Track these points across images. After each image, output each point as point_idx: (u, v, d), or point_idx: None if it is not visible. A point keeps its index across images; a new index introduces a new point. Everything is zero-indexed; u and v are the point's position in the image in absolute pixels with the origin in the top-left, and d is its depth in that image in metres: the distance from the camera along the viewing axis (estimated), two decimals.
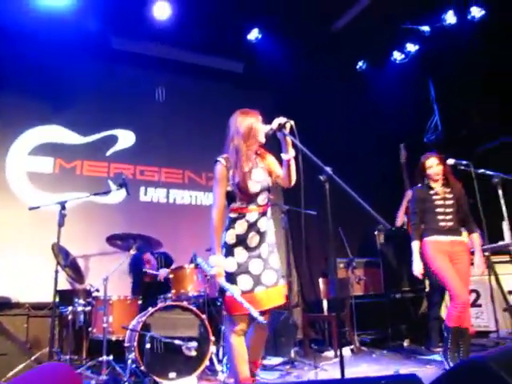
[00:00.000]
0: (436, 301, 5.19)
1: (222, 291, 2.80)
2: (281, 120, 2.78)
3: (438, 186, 4.18)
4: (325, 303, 5.72)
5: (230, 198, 2.91)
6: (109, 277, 4.21)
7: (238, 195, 2.86)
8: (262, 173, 2.97)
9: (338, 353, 5.04)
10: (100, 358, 4.06)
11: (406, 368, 4.19)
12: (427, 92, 7.29)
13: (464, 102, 6.58)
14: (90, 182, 5.80)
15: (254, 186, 2.87)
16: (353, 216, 6.00)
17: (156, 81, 6.50)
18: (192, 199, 6.42)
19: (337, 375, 4.01)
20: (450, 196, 4.15)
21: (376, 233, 6.32)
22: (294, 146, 2.75)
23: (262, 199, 2.93)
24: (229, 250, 2.87)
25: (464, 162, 4.39)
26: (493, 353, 1.72)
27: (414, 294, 6.00)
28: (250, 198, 2.88)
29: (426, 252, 4.08)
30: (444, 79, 6.87)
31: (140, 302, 4.53)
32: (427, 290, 5.61)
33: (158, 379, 3.84)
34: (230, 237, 2.87)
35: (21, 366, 4.46)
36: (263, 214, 2.93)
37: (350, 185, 2.42)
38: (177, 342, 3.89)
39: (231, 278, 2.81)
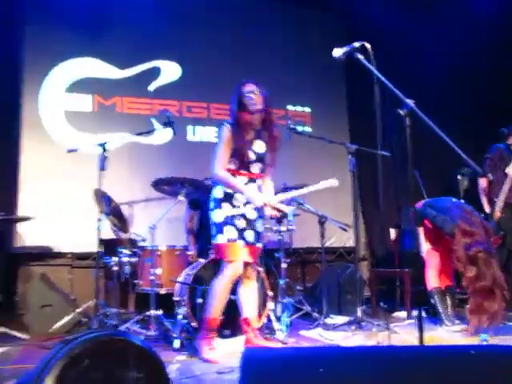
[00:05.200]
0: None
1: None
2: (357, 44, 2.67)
3: None
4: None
5: None
6: (156, 225, 4.27)
7: (233, 158, 3.58)
8: (263, 145, 3.70)
9: (412, 314, 5.10)
10: (148, 313, 4.19)
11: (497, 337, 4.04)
12: None
13: None
14: (131, 121, 5.83)
15: (250, 155, 3.60)
16: (432, 157, 5.83)
17: (202, 8, 6.32)
18: None
19: (411, 339, 4.02)
20: None
21: (459, 177, 6.09)
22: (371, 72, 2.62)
23: (256, 168, 3.67)
24: (217, 203, 3.60)
25: None
26: None
27: None
28: (244, 164, 3.60)
29: None
30: None
31: (190, 252, 4.61)
32: None
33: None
34: (219, 192, 3.61)
35: (66, 319, 4.70)
36: (253, 180, 3.66)
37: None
38: (232, 296, 3.94)
39: (218, 227, 3.56)
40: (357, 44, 2.67)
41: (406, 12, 6.45)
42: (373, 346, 3.73)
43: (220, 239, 3.56)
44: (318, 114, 6.75)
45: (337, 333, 4.40)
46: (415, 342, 3.97)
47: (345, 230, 5.33)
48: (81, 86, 5.85)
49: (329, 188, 3.78)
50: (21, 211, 5.27)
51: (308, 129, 6.67)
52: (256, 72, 6.27)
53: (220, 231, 3.57)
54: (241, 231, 3.57)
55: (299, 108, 6.71)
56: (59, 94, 5.77)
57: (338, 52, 2.76)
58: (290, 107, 6.65)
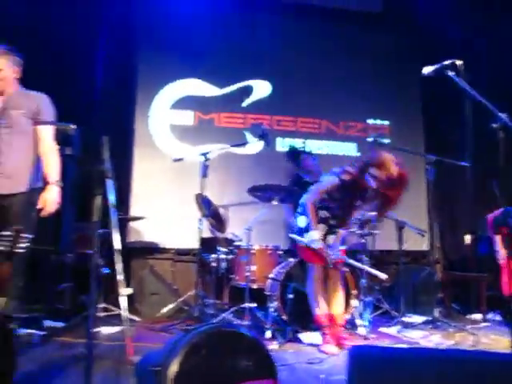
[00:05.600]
0: None
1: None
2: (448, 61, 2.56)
3: None
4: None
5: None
6: (252, 227, 4.30)
7: (324, 202, 3.62)
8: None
9: (487, 317, 4.83)
10: (243, 305, 4.21)
11: None
12: None
13: None
14: (227, 133, 5.95)
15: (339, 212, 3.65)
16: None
17: (290, 27, 6.32)
18: (329, 149, 6.28)
19: (488, 341, 3.80)
20: None
21: None
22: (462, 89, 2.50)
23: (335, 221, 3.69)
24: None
25: None
26: None
27: None
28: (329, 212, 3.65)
29: None
30: None
31: (280, 252, 4.60)
32: None
33: (299, 329, 3.90)
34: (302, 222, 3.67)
35: (170, 306, 4.84)
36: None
37: None
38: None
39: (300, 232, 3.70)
40: (447, 62, 2.55)
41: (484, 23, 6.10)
42: (479, 350, 3.51)
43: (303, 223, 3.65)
44: (397, 126, 6.55)
45: (415, 331, 4.24)
46: (492, 344, 3.79)
47: (422, 235, 5.18)
48: (184, 103, 6.04)
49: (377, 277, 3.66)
50: (134, 212, 5.49)
51: (387, 141, 6.49)
52: (338, 88, 6.25)
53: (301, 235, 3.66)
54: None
55: (379, 121, 6.54)
56: (165, 110, 5.98)
57: (427, 69, 2.66)
58: (370, 121, 6.49)
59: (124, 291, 1.95)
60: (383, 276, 3.41)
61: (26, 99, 3.20)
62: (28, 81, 5.17)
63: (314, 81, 6.23)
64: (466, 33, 6.16)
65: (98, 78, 5.77)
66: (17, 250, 2.13)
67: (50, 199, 3.16)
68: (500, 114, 2.17)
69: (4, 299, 2.20)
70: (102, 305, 4.56)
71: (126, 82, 5.87)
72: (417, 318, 4.65)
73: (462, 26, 6.16)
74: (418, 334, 4.18)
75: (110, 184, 1.97)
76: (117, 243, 2.06)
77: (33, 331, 3.72)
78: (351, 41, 6.41)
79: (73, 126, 4.61)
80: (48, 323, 4.17)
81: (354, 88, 6.28)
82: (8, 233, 2.13)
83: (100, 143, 2.08)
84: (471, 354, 1.93)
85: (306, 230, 3.61)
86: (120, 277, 1.98)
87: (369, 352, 1.58)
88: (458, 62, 2.54)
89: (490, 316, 5.03)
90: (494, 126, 2.16)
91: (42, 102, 3.23)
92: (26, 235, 2.16)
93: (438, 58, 2.64)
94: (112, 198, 1.94)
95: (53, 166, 3.23)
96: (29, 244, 2.16)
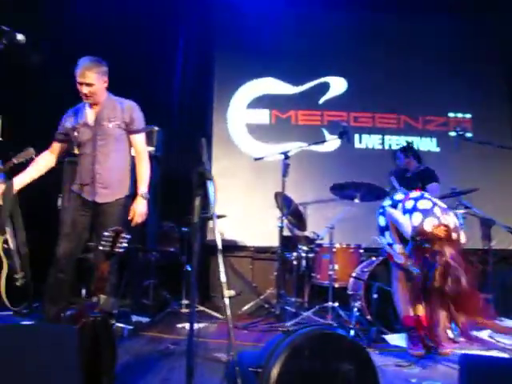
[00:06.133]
0: None
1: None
2: None
3: None
4: None
5: None
6: (334, 225, 4.24)
7: None
8: None
9: None
10: (325, 304, 4.15)
11: None
12: None
13: None
14: (304, 131, 5.92)
15: None
16: None
17: (365, 22, 6.17)
18: None
19: None
20: None
21: None
22: None
23: None
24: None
25: None
26: None
27: None
28: None
29: None
30: None
31: (362, 250, 4.51)
32: None
33: (384, 330, 3.80)
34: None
35: (251, 303, 4.87)
36: None
37: None
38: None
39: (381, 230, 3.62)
40: None
41: None
42: None
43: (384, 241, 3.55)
44: (480, 119, 6.22)
45: (508, 336, 3.99)
46: None
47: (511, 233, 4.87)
48: (260, 102, 6.06)
49: None
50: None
51: (470, 134, 6.18)
52: (417, 82, 6.02)
53: (383, 234, 3.59)
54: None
55: (460, 115, 6.24)
56: (242, 109, 6.04)
57: None
58: (451, 114, 6.21)
59: (227, 293, 1.96)
60: None
61: (118, 110, 3.26)
62: (110, 84, 5.45)
63: (390, 75, 6.04)
64: None
65: (176, 79, 5.92)
66: (117, 250, 2.21)
67: (138, 211, 3.26)
68: None
69: (105, 297, 2.28)
70: (186, 301, 4.67)
71: (203, 82, 5.98)
72: (509, 323, 4.39)
73: None
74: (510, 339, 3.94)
75: (210, 185, 1.98)
76: (219, 244, 2.07)
77: (122, 325, 3.86)
78: (427, 32, 6.14)
79: (156, 128, 4.79)
80: (135, 318, 4.32)
81: (432, 81, 6.04)
82: (108, 233, 2.20)
83: (198, 145, 2.09)
84: None
85: (387, 228, 3.54)
86: (223, 279, 1.99)
87: (480, 361, 1.50)
88: None
89: None
90: None
91: (133, 112, 3.29)
92: (126, 235, 2.23)
93: None
94: (212, 198, 1.95)
95: (142, 176, 3.30)
96: (127, 244, 2.23)
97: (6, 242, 2.50)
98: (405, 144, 5.18)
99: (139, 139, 3.33)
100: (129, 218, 3.23)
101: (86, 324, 2.23)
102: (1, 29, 2.44)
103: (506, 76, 6.25)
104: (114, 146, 3.22)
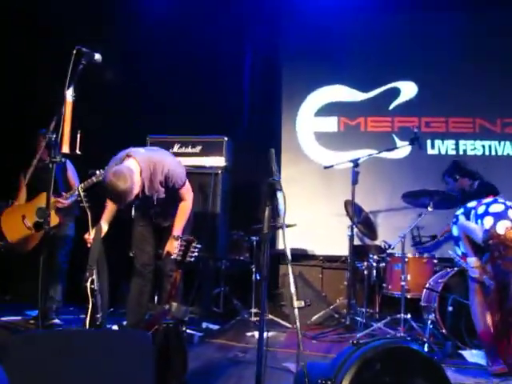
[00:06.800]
0: None
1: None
2: None
3: None
4: None
5: None
6: (406, 234, 4.13)
7: None
8: None
9: None
10: (397, 315, 4.03)
11: None
12: None
13: None
14: (374, 138, 5.79)
15: None
16: None
17: (432, 24, 5.95)
18: (485, 149, 5.78)
19: None
20: None
21: None
22: None
23: None
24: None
25: None
26: None
27: None
28: None
29: None
30: None
31: (435, 261, 4.34)
32: None
33: (461, 345, 3.64)
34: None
35: (321, 313, 4.83)
36: None
37: None
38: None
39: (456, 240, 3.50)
40: None
41: None
42: None
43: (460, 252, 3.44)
44: None
45: None
46: None
47: None
48: (327, 109, 6.01)
49: None
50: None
51: None
52: (491, 82, 5.72)
53: (457, 244, 3.48)
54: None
55: None
56: (309, 117, 6.02)
57: None
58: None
59: (296, 304, 1.95)
60: None
61: (155, 184, 3.27)
62: (179, 96, 5.64)
63: (462, 77, 5.76)
64: None
65: (245, 89, 6.01)
66: (188, 259, 2.27)
67: (170, 250, 3.27)
68: None
69: (176, 304, 2.35)
70: (255, 310, 4.69)
71: (272, 92, 6.03)
72: None
73: None
74: None
75: (280, 195, 1.99)
76: (288, 254, 2.07)
77: (193, 332, 3.95)
78: (498, 30, 5.82)
79: (225, 138, 4.88)
80: (205, 325, 4.41)
81: (508, 81, 5.70)
82: (181, 243, 2.27)
83: (268, 156, 2.11)
84: None
85: (460, 238, 3.43)
86: (292, 289, 1.99)
87: None
88: None
89: None
90: None
91: (168, 174, 3.26)
92: (197, 245, 2.28)
93: None
94: (282, 209, 1.96)
95: (177, 222, 3.38)
96: (199, 254, 2.29)
97: (92, 282, 2.66)
98: (457, 159, 4.86)
99: (181, 191, 3.41)
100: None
101: (158, 330, 2.31)
102: (81, 50, 2.59)
103: None
104: (171, 201, 3.42)
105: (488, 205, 3.26)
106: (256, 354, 2.02)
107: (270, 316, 4.69)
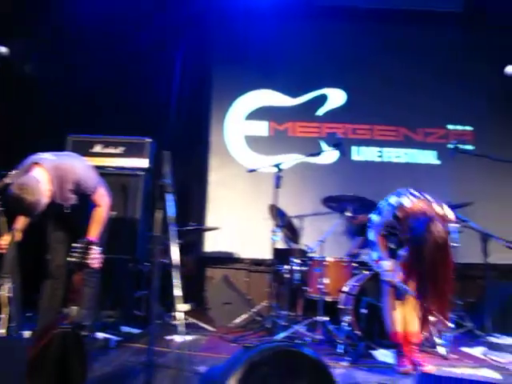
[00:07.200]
0: None
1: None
2: None
3: None
4: None
5: None
6: (325, 238, 4.19)
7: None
8: None
9: None
10: (316, 318, 4.09)
11: None
12: None
13: None
14: (302, 143, 5.88)
15: None
16: None
17: (362, 33, 6.14)
18: (408, 157, 6.00)
19: None
20: None
21: None
22: None
23: None
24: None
25: None
26: None
27: None
28: None
29: None
30: None
31: (355, 264, 4.43)
32: None
33: (373, 345, 3.73)
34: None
35: (244, 316, 4.82)
36: None
37: None
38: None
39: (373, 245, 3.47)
40: None
41: None
42: None
43: (375, 256, 3.46)
44: (482, 132, 6.14)
45: (503, 354, 3.89)
46: None
47: (509, 248, 4.75)
48: (258, 114, 6.06)
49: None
50: (208, 221, 5.56)
51: (470, 147, 6.10)
52: (415, 93, 5.95)
53: (372, 249, 3.52)
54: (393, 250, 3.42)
55: (459, 127, 6.16)
56: (240, 121, 6.04)
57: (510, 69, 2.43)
58: (450, 126, 6.13)
59: (180, 307, 1.93)
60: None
61: (65, 191, 3.09)
62: (106, 95, 5.48)
63: (389, 87, 5.98)
64: None
65: (173, 92, 5.93)
66: (87, 261, 2.19)
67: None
68: None
69: (76, 308, 2.26)
70: (177, 313, 4.62)
71: (201, 93, 5.99)
72: (506, 340, 4.27)
73: None
74: (507, 357, 3.83)
75: (169, 198, 1.95)
76: (175, 257, 2.04)
77: (110, 336, 3.83)
78: (428, 43, 6.09)
79: (148, 140, 4.78)
80: (125, 329, 4.29)
81: (432, 92, 5.96)
82: (79, 245, 2.19)
83: (162, 158, 2.07)
84: None
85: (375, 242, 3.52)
86: (177, 292, 1.95)
87: (438, 381, 1.44)
88: None
89: None
90: None
91: (78, 181, 3.09)
92: (97, 247, 2.21)
93: None
94: (172, 212, 1.93)
95: (92, 227, 3.08)
96: (100, 255, 2.21)
97: (8, 290, 2.52)
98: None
99: (93, 195, 3.22)
100: None
101: (55, 336, 2.21)
102: None
103: (507, 89, 6.15)
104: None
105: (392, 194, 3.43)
106: (172, 358, 1.98)
107: (193, 320, 4.63)
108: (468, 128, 6.18)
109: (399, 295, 3.40)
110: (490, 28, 6.13)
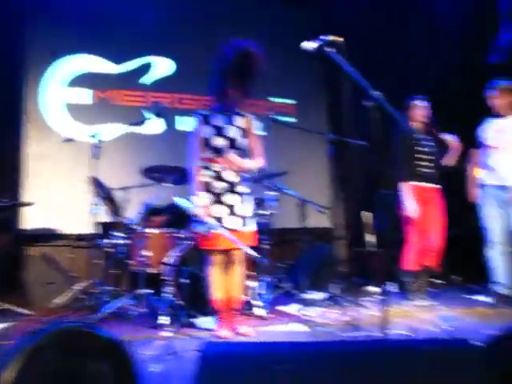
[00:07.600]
0: None
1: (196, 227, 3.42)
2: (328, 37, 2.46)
3: None
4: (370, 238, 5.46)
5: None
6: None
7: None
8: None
9: (382, 289, 4.94)
10: (138, 291, 4.03)
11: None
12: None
13: None
14: (127, 112, 5.63)
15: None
16: None
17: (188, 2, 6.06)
18: None
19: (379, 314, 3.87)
20: None
21: None
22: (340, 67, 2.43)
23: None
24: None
25: None
26: None
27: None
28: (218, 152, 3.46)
29: None
30: None
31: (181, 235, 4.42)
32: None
33: (196, 314, 3.79)
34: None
35: (66, 295, 4.57)
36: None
37: None
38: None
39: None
40: (331, 37, 2.45)
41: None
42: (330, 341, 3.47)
43: (197, 228, 3.44)
44: (302, 106, 6.53)
45: (314, 309, 4.26)
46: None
47: (322, 212, 5.15)
48: (81, 80, 5.65)
49: None
50: (25, 196, 5.10)
51: (292, 120, 6.45)
52: None
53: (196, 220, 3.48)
54: (219, 218, 3.38)
55: (281, 100, 6.47)
56: (60, 87, 5.57)
57: (307, 45, 2.54)
58: (274, 99, 6.40)
59: None
60: (255, 255, 3.28)
61: None
62: None
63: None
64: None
65: None
66: None
67: None
68: (373, 92, 2.11)
69: None
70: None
71: (12, 53, 5.35)
72: (317, 295, 4.67)
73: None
74: (317, 310, 4.20)
75: None
76: None
77: None
78: (256, 18, 6.22)
79: None
80: None
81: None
82: None
83: None
84: (332, 345, 1.88)
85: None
86: None
87: (221, 350, 1.47)
88: (339, 39, 2.46)
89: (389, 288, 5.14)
90: (367, 103, 2.10)
91: None
92: None
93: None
94: None
95: None
96: None
97: None
98: None
99: None
100: None
101: None
102: None
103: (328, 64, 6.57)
104: None
105: None
106: None
107: (7, 305, 4.23)
108: (290, 101, 6.51)
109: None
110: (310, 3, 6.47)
